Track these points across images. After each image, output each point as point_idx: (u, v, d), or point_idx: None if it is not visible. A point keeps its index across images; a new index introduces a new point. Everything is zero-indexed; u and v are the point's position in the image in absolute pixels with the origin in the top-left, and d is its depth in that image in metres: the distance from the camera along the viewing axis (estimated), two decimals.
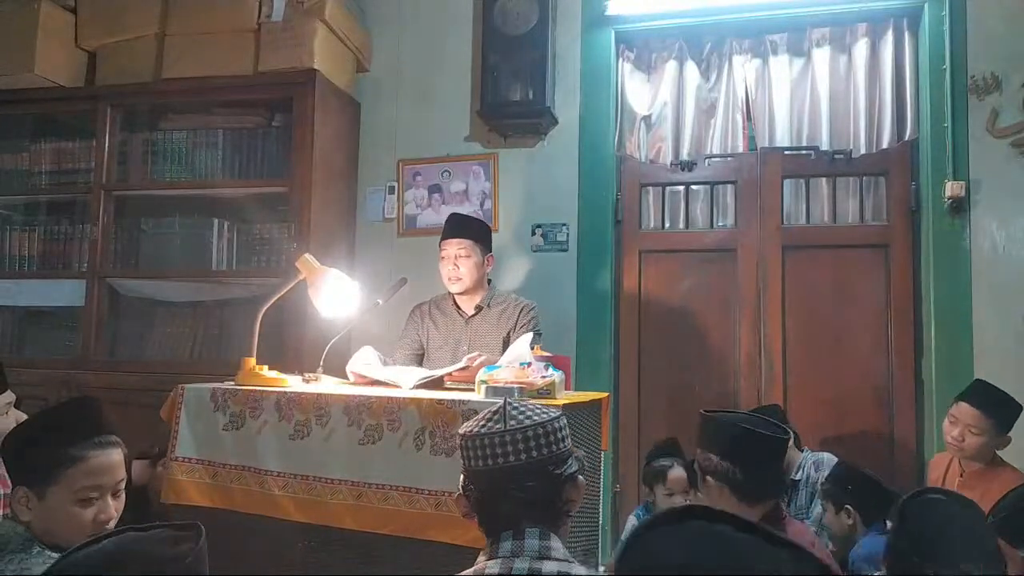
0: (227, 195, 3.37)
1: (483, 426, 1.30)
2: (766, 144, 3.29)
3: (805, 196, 3.30)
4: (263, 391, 2.07)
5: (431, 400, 1.89)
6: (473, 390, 2.03)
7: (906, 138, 3.17)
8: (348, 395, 1.98)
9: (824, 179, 3.28)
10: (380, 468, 1.88)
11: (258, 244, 3.32)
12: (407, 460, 1.86)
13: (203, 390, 2.13)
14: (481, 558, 1.25)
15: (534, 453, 1.27)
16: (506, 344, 2.59)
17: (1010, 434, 2.34)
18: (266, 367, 2.22)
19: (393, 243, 3.52)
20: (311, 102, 3.17)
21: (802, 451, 2.75)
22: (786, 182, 3.29)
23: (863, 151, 3.20)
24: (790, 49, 3.32)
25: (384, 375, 2.25)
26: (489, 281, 2.79)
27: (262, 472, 2.00)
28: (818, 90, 3.27)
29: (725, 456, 1.71)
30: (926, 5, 3.07)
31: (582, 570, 1.23)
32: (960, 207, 2.96)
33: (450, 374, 2.30)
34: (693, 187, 3.39)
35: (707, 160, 3.35)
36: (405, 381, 2.18)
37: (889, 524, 2.21)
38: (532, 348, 2.17)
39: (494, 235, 2.96)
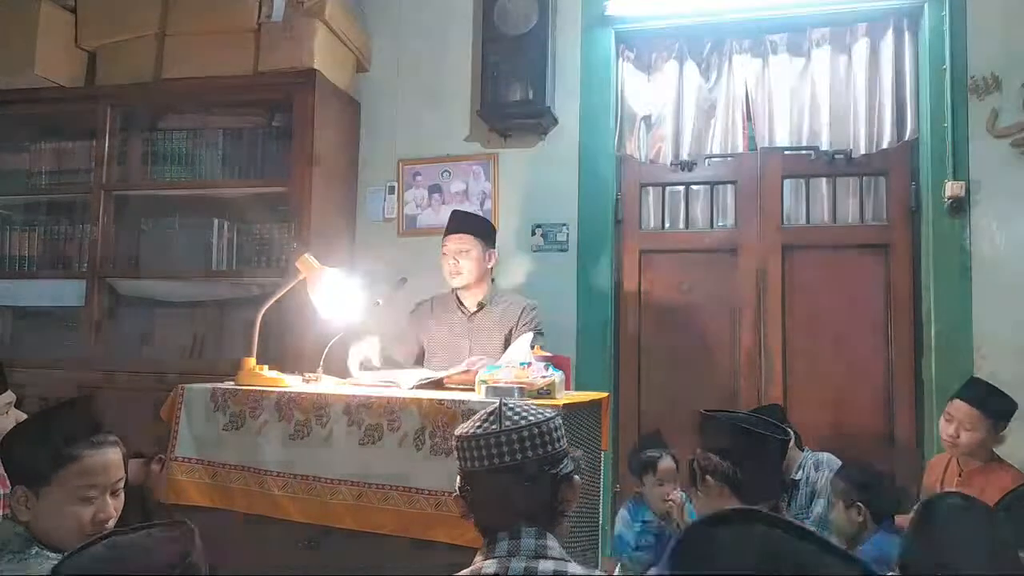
0: (227, 195, 3.37)
1: (479, 427, 1.30)
2: (766, 144, 3.29)
3: (805, 196, 3.30)
4: (263, 391, 2.08)
5: (431, 400, 1.89)
6: (472, 392, 2.03)
7: (906, 138, 3.17)
8: (348, 395, 1.98)
9: (824, 179, 3.28)
10: (380, 468, 1.88)
11: (258, 244, 3.32)
12: (407, 460, 1.86)
13: (203, 390, 2.13)
14: (478, 558, 1.26)
15: (530, 453, 1.27)
16: (507, 343, 2.59)
17: (1006, 432, 2.36)
18: (266, 367, 2.22)
19: (393, 243, 3.52)
20: (311, 102, 3.17)
21: (802, 451, 2.76)
22: (786, 182, 3.29)
23: (863, 151, 3.20)
24: (790, 49, 3.32)
25: (385, 376, 2.26)
26: (492, 280, 2.80)
27: (262, 472, 2.00)
28: (818, 90, 3.27)
29: (725, 456, 1.71)
30: (926, 5, 3.07)
31: (579, 569, 1.23)
32: (960, 207, 2.95)
33: (449, 376, 2.30)
34: (693, 187, 3.39)
35: (707, 160, 3.35)
36: (405, 381, 2.19)
37: (898, 522, 2.22)
38: (533, 348, 2.18)
39: None
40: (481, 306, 2.73)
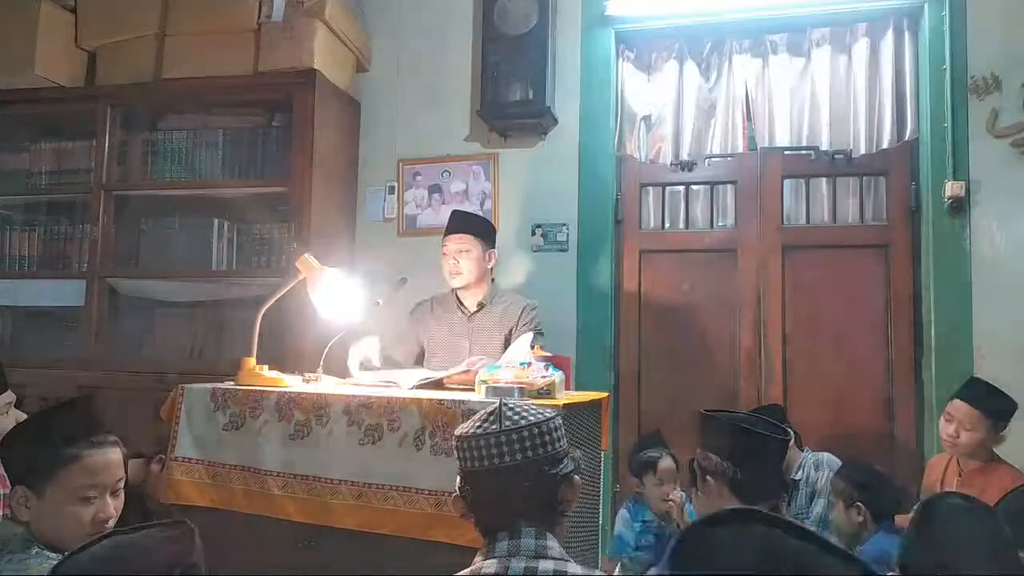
0: (227, 195, 3.37)
1: (479, 427, 1.30)
2: (766, 144, 3.29)
3: (805, 196, 3.30)
4: (263, 391, 2.08)
5: (431, 400, 1.89)
6: (472, 392, 2.03)
7: (906, 138, 3.17)
8: (348, 395, 1.98)
9: (824, 179, 3.28)
10: (380, 468, 1.88)
11: (258, 244, 3.32)
12: (407, 460, 1.86)
13: (203, 390, 2.13)
14: (478, 558, 1.26)
15: (529, 453, 1.27)
16: (507, 343, 2.59)
17: (1006, 432, 2.36)
18: (266, 367, 2.22)
19: (393, 243, 3.52)
20: (311, 102, 3.17)
21: (802, 451, 2.76)
22: (786, 182, 3.29)
23: (863, 151, 3.20)
24: (790, 49, 3.32)
25: (385, 376, 2.26)
26: (492, 280, 2.80)
27: (262, 472, 2.00)
28: (818, 90, 3.27)
29: (725, 456, 1.71)
30: (926, 5, 3.07)
31: (578, 569, 1.23)
32: (960, 207, 2.95)
33: (449, 376, 2.30)
34: (693, 187, 3.39)
35: (707, 160, 3.35)
36: (405, 381, 2.19)
37: (898, 522, 2.22)
38: (533, 348, 2.18)
39: None
40: (481, 306, 2.73)
